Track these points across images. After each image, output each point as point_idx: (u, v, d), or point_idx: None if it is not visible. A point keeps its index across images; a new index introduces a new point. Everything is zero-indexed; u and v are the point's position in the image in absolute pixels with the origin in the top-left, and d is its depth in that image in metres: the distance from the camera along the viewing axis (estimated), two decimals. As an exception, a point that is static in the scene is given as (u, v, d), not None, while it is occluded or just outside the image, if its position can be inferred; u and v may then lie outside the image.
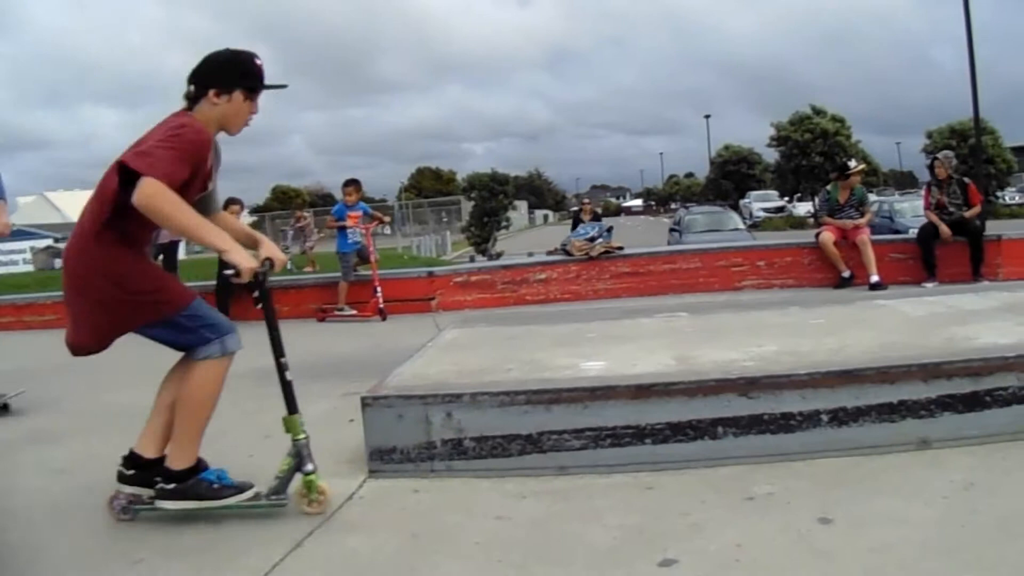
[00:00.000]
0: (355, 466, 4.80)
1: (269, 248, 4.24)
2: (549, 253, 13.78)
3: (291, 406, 4.21)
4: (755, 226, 53.30)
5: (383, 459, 4.67)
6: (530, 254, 15.31)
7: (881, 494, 4.08)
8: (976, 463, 4.39)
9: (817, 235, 12.81)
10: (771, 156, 72.21)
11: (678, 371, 4.83)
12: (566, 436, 4.52)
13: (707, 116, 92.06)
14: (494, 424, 4.57)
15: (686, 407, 4.50)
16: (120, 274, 3.99)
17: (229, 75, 4.22)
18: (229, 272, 3.86)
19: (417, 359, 5.81)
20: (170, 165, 3.77)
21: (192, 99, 4.21)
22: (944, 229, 12.37)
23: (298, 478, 4.23)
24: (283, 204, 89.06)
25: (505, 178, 51.29)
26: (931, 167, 13.36)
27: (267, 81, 4.33)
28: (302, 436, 4.22)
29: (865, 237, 12.48)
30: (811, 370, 4.61)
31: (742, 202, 65.85)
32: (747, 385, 4.53)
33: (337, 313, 11.98)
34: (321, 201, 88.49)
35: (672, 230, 28.44)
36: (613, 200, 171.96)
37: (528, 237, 52.30)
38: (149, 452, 4.25)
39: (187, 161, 3.89)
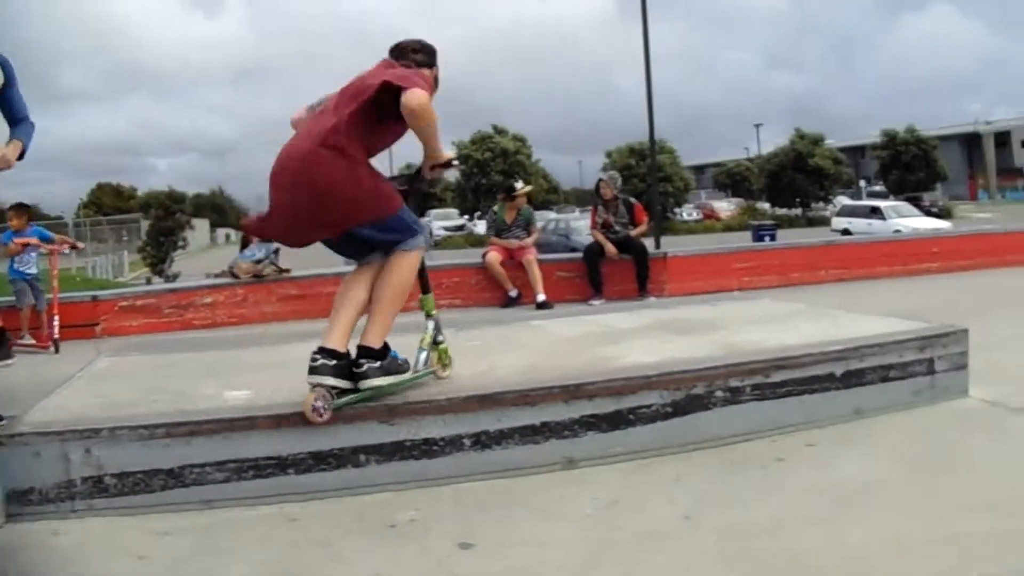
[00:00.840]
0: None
1: None
2: (216, 276, 13.49)
3: (425, 287, 5.23)
4: (436, 245, 53.95)
5: (20, 502, 4.37)
6: (208, 275, 15.03)
7: (524, 516, 4.18)
8: (620, 480, 4.58)
9: (484, 255, 13.03)
10: (452, 175, 73.17)
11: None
12: (208, 469, 4.39)
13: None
14: (135, 459, 4.37)
15: (327, 435, 4.46)
16: (357, 176, 4.59)
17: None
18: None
19: (62, 391, 5.52)
20: (423, 82, 4.58)
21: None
22: (609, 247, 12.86)
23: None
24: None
25: (182, 196, 50.19)
26: (597, 188, 13.82)
27: None
28: (435, 313, 5.20)
29: (531, 257, 12.79)
30: (451, 395, 4.66)
31: (423, 220, 66.48)
32: (388, 412, 4.54)
33: (20, 342, 11.33)
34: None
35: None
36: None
37: (209, 257, 51.02)
38: (342, 347, 4.62)
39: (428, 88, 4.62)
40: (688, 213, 70.58)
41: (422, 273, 5.09)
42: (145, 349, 7.79)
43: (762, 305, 8.09)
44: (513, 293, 12.72)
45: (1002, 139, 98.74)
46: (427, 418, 4.58)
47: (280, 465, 4.44)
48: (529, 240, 13.12)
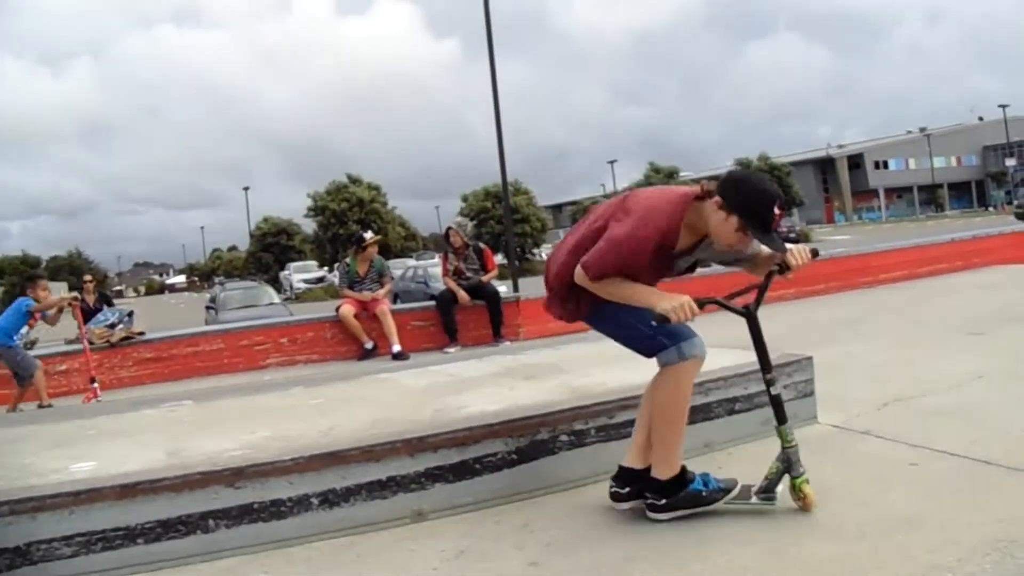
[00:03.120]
0: None
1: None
2: (69, 342, 13.21)
3: (780, 417, 4.53)
4: (296, 298, 53.53)
5: None
6: (67, 341, 14.73)
7: (374, 571, 4.20)
8: (468, 530, 4.62)
9: (337, 309, 12.99)
10: (310, 227, 72.83)
11: (165, 466, 4.71)
12: (56, 544, 4.32)
13: (246, 188, 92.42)
14: (-24, 539, 4.33)
15: (174, 503, 4.42)
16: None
17: (742, 201, 4.26)
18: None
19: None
20: (602, 265, 4.34)
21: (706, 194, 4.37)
22: (462, 295, 12.95)
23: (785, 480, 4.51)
24: None
25: (37, 260, 49.05)
26: (446, 236, 13.89)
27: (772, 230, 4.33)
28: (792, 444, 4.49)
29: (385, 308, 12.78)
30: (296, 455, 4.66)
31: (282, 274, 66.02)
32: (233, 476, 4.51)
33: None
34: None
35: (208, 307, 28.13)
36: (156, 277, 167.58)
37: (67, 322, 49.74)
38: (638, 464, 4.59)
39: (622, 261, 4.31)
40: (546, 253, 71.05)
41: (774, 400, 4.58)
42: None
43: (610, 344, 8.18)
44: (368, 345, 12.69)
45: (855, 161, 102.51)
46: (273, 479, 4.56)
47: (129, 535, 4.38)
48: (382, 292, 13.12)
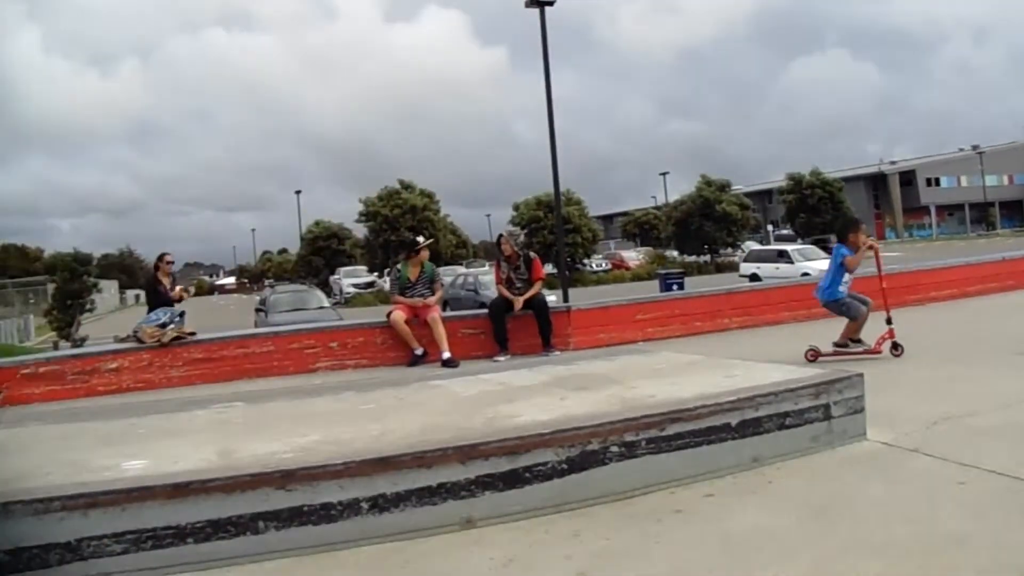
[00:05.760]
0: None
1: None
2: (120, 340, 13.27)
3: None
4: (346, 302, 53.68)
5: None
6: (119, 339, 14.81)
7: (422, 576, 4.18)
8: (517, 538, 4.60)
9: (388, 314, 12.93)
10: (361, 231, 72.95)
11: (217, 467, 4.75)
12: (106, 541, 4.34)
13: (298, 192, 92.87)
14: (30, 533, 4.31)
15: (225, 503, 4.44)
16: None
17: None
18: None
19: (-42, 466, 5.47)
20: None
21: None
22: (517, 300, 12.84)
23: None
24: None
25: (88, 258, 49.37)
26: (498, 243, 13.83)
27: None
28: None
29: (436, 315, 12.64)
30: (347, 459, 4.66)
31: (332, 278, 66.23)
32: (284, 478, 4.53)
33: None
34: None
35: (258, 310, 28.24)
36: (206, 278, 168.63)
37: (118, 319, 50.23)
38: None
39: None
40: (597, 263, 70.93)
41: None
42: (45, 419, 7.66)
43: (661, 358, 8.19)
44: (419, 351, 12.58)
45: (907, 178, 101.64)
46: (324, 483, 4.57)
47: (179, 534, 4.40)
48: (433, 299, 13.02)
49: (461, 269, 43.23)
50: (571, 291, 27.99)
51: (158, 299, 13.36)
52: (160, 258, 13.67)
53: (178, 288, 13.96)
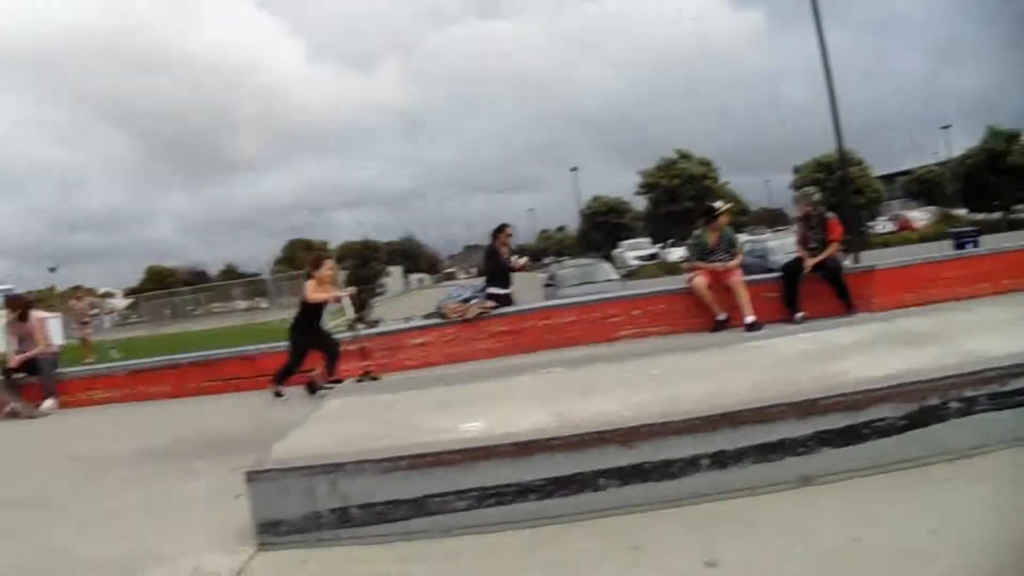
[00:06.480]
0: (244, 540, 4.72)
1: None
2: (426, 317, 13.70)
3: None
4: (630, 275, 53.79)
5: (271, 532, 4.61)
6: (407, 319, 15.27)
7: (765, 533, 4.15)
8: (857, 495, 4.50)
9: (690, 280, 12.87)
10: (641, 204, 72.97)
11: (557, 426, 4.83)
12: (450, 498, 4.51)
13: (574, 169, 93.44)
14: (378, 490, 4.54)
15: (568, 461, 4.51)
16: None
17: None
18: None
19: (298, 432, 5.72)
20: None
21: None
22: (808, 262, 12.61)
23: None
24: (157, 284, 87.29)
25: (376, 245, 51.23)
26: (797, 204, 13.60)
27: None
28: None
29: (737, 279, 12.53)
30: (688, 416, 4.66)
31: (615, 252, 66.48)
32: (627, 435, 4.56)
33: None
34: (196, 279, 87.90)
35: (547, 285, 28.55)
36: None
37: (405, 302, 51.88)
38: None
39: None
40: (882, 226, 68.72)
41: None
42: (365, 391, 7.95)
43: (983, 313, 7.82)
44: (721, 317, 12.49)
45: None
46: (666, 440, 4.58)
47: (521, 491, 4.51)
48: (734, 262, 12.87)
49: (745, 236, 42.66)
50: (861, 254, 27.19)
51: (498, 268, 13.67)
52: (500, 229, 13.90)
53: (522, 260, 14.22)
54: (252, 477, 4.67)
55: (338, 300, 11.90)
